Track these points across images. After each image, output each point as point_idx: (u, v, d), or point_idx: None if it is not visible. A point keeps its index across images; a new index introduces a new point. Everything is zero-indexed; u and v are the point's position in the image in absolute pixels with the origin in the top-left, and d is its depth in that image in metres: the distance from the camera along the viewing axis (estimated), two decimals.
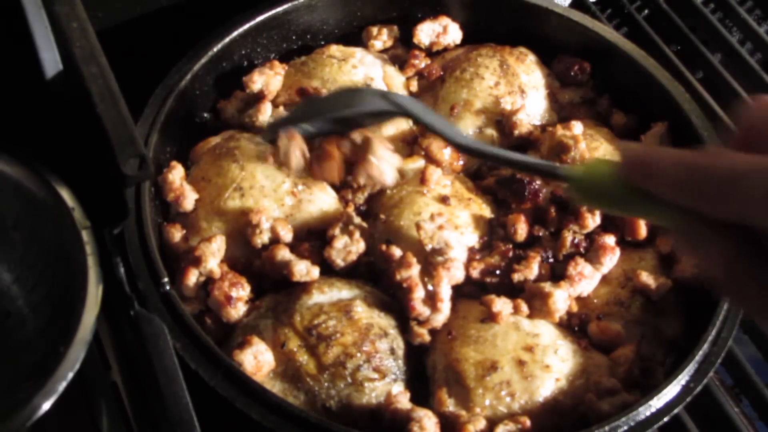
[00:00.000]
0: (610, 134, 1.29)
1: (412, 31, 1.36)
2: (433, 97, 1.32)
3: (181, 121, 1.21)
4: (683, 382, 1.00)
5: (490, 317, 1.05)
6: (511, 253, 1.12)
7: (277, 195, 1.13)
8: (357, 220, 1.11)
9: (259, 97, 1.26)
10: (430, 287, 1.05)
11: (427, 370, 1.07)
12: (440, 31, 1.37)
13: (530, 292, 1.09)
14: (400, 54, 1.39)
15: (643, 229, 1.16)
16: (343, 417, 0.99)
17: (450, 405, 1.00)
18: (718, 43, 1.64)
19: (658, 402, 0.98)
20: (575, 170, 0.76)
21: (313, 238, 1.13)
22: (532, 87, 1.32)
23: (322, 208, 1.16)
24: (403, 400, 0.98)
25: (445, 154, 1.23)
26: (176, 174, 1.14)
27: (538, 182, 1.17)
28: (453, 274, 1.06)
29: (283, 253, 1.08)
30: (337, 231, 1.10)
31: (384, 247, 1.08)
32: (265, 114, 1.25)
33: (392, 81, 1.32)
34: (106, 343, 1.00)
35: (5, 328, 1.00)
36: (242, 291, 1.06)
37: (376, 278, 1.12)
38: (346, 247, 1.09)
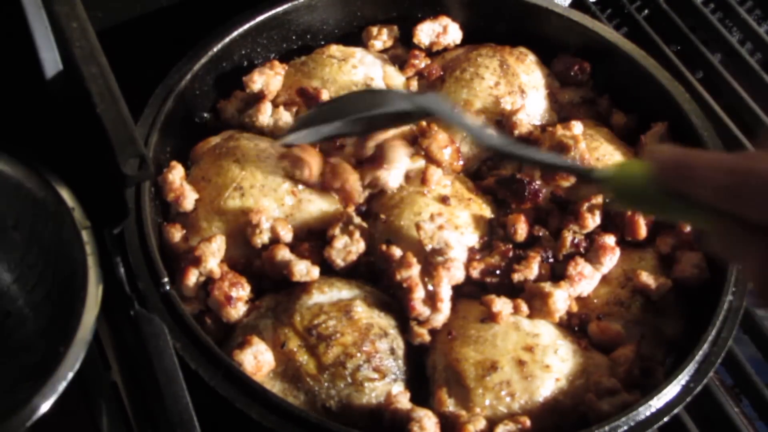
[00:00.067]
0: (610, 134, 1.29)
1: (412, 31, 1.36)
2: None
3: (181, 121, 1.21)
4: (683, 382, 1.00)
5: (490, 317, 1.05)
6: (511, 253, 1.12)
7: (277, 195, 1.13)
8: (357, 220, 1.11)
9: (259, 97, 1.26)
10: (430, 287, 1.05)
11: (427, 370, 1.07)
12: (440, 31, 1.37)
13: (530, 292, 1.09)
14: (400, 54, 1.39)
15: (643, 229, 1.16)
16: (343, 417, 0.99)
17: (450, 405, 1.00)
18: (718, 43, 1.64)
19: (658, 402, 0.98)
20: (610, 172, 0.76)
21: (313, 238, 1.13)
22: (532, 87, 1.32)
23: (322, 207, 1.15)
24: (403, 400, 0.98)
25: (446, 154, 1.22)
26: (176, 174, 1.14)
27: (538, 182, 1.17)
28: (453, 274, 1.06)
29: (283, 253, 1.08)
30: (337, 231, 1.10)
31: (384, 247, 1.08)
32: (265, 114, 1.25)
33: (392, 81, 1.32)
34: (106, 343, 1.00)
35: (5, 328, 1.00)
36: (242, 291, 1.06)
37: (376, 278, 1.11)
38: (346, 247, 1.09)
